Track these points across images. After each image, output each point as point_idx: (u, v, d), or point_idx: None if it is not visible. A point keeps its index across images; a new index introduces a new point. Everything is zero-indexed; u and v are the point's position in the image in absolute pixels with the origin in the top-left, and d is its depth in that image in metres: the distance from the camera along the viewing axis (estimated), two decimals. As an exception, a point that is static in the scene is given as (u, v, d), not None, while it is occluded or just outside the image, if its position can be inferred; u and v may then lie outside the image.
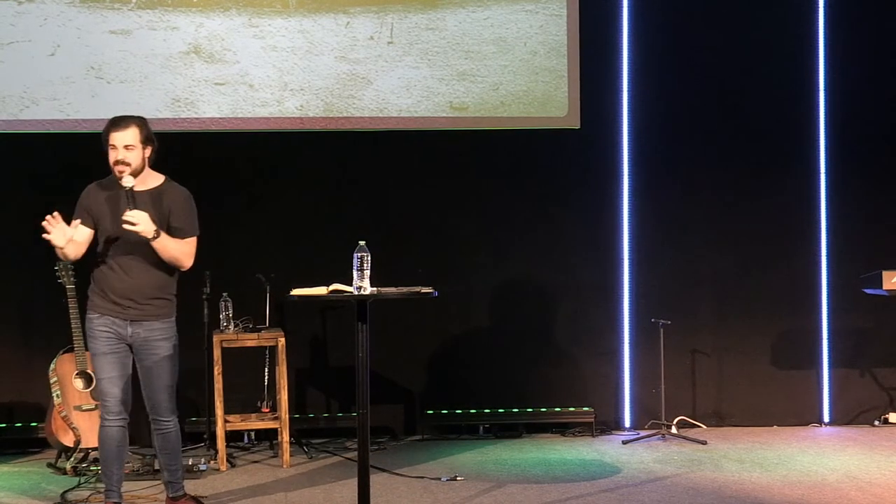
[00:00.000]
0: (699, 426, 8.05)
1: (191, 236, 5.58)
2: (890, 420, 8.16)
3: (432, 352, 8.04)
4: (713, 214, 8.17)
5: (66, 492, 6.26)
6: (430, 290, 5.50)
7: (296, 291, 5.48)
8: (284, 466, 6.97)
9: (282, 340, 7.03)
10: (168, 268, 5.55)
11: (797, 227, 8.23)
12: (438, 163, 8.03)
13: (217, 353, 6.95)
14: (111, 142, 5.46)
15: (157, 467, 6.28)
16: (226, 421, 7.01)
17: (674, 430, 7.76)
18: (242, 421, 7.29)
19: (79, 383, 6.95)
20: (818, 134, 8.24)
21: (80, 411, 6.88)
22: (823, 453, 7.28)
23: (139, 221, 5.34)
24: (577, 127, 7.97)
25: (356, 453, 5.63)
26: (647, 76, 8.12)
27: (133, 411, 5.62)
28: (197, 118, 7.69)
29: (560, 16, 7.94)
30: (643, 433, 7.82)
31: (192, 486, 6.30)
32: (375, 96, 7.82)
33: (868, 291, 7.56)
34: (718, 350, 8.17)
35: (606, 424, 8.03)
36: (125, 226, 5.34)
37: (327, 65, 7.80)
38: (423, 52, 7.86)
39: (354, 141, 7.90)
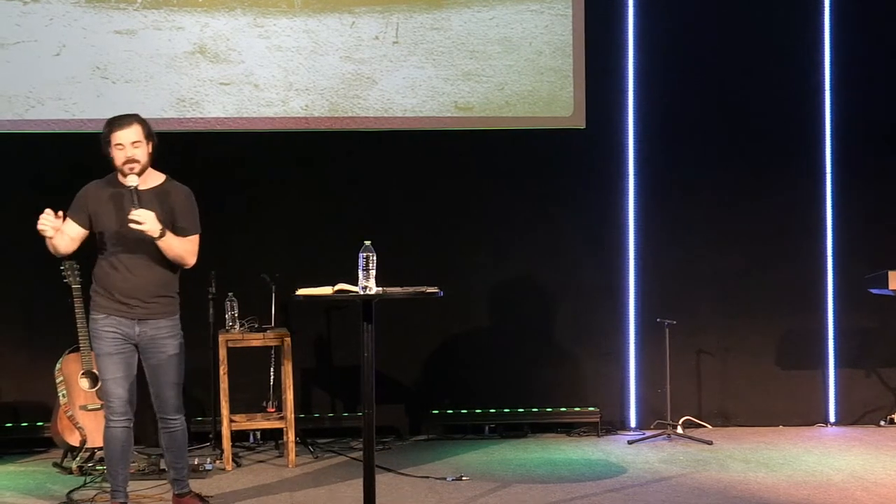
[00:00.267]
0: (705, 426, 8.05)
1: (193, 234, 5.59)
2: (896, 420, 8.18)
3: (437, 352, 8.04)
4: (719, 214, 8.17)
5: (71, 491, 6.26)
6: (436, 290, 5.49)
7: (301, 291, 5.48)
8: (290, 466, 6.97)
9: (287, 340, 7.03)
10: (171, 266, 5.55)
11: (802, 226, 8.22)
12: (443, 163, 8.03)
13: (222, 353, 6.95)
14: (117, 141, 5.46)
15: (162, 466, 6.29)
16: (231, 421, 7.01)
17: (679, 430, 7.75)
18: (248, 421, 7.29)
19: (84, 383, 6.95)
20: (823, 134, 8.23)
21: (86, 411, 6.89)
22: (829, 453, 7.27)
23: (145, 221, 5.34)
24: (583, 127, 7.97)
25: (361, 453, 5.62)
26: (652, 76, 8.12)
27: (138, 411, 5.63)
28: (202, 118, 7.69)
29: (565, 16, 7.93)
30: (648, 433, 7.81)
31: (197, 486, 6.30)
32: (380, 96, 7.82)
33: (873, 291, 7.54)
34: (724, 350, 8.17)
35: (612, 424, 8.03)
36: (132, 225, 5.34)
37: (332, 65, 7.80)
38: (428, 51, 7.86)
39: (359, 141, 7.90)
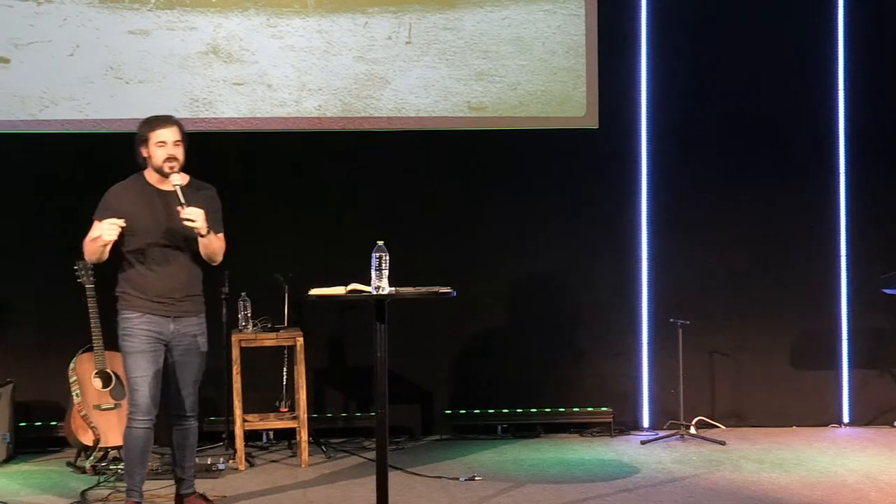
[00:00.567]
0: (718, 427, 8.03)
1: (221, 232, 5.67)
2: (910, 421, 8.15)
3: (450, 352, 8.04)
4: (732, 214, 8.15)
5: (85, 490, 6.28)
6: (449, 290, 5.50)
7: (314, 291, 5.49)
8: (303, 466, 6.98)
9: (300, 340, 7.04)
10: (200, 264, 5.63)
11: (816, 226, 8.20)
12: (456, 163, 8.03)
13: (236, 353, 6.97)
14: (159, 139, 5.50)
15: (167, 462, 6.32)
16: (244, 420, 7.02)
17: (692, 430, 7.74)
18: (261, 420, 7.30)
19: (98, 383, 6.97)
20: (838, 134, 8.21)
21: (100, 410, 6.90)
22: (843, 454, 7.25)
23: (197, 218, 5.40)
24: (596, 127, 7.96)
25: (374, 453, 5.63)
26: (665, 76, 8.10)
27: (151, 410, 5.65)
28: (215, 118, 7.70)
29: (578, 15, 7.93)
30: (662, 433, 7.80)
31: (210, 486, 6.33)
32: (393, 96, 7.82)
33: (888, 291, 7.52)
34: (737, 350, 8.15)
35: (625, 424, 8.01)
36: (186, 223, 5.40)
37: (345, 65, 7.80)
38: (441, 51, 7.86)
39: (372, 141, 7.90)
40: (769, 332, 8.12)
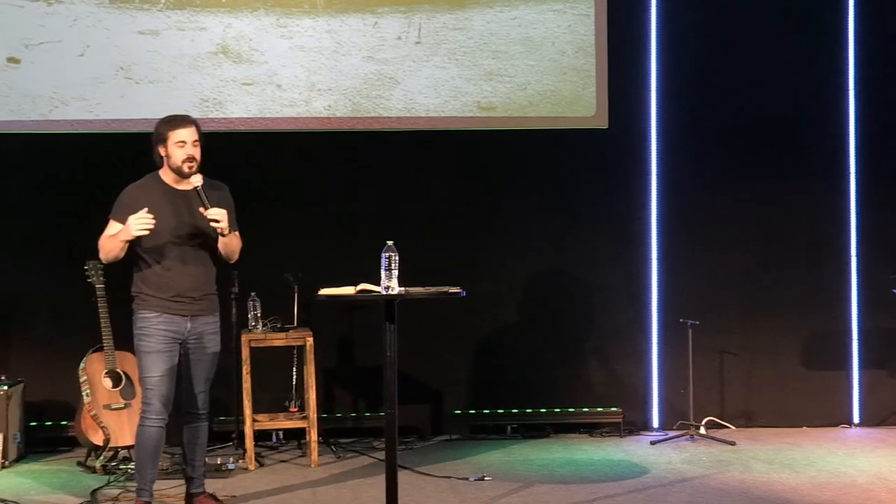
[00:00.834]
0: (728, 427, 8.02)
1: (237, 230, 5.68)
2: (921, 421, 8.13)
3: (459, 352, 8.03)
4: (742, 214, 8.14)
5: (95, 490, 6.29)
6: (458, 290, 5.50)
7: (324, 291, 5.49)
8: (312, 466, 6.98)
9: (310, 340, 7.05)
10: (216, 262, 5.67)
11: (826, 226, 8.18)
12: (466, 163, 8.03)
13: (245, 353, 6.97)
14: (179, 138, 5.52)
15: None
16: (254, 420, 7.03)
17: (702, 430, 7.72)
18: (270, 420, 7.31)
19: (108, 382, 6.98)
20: (848, 133, 8.19)
21: (110, 410, 6.92)
22: (853, 455, 7.24)
23: (221, 218, 5.44)
24: (605, 127, 7.96)
25: (384, 453, 5.63)
26: (675, 76, 8.09)
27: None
28: (225, 118, 7.71)
29: (588, 15, 7.92)
30: (671, 434, 7.79)
31: (220, 485, 6.34)
32: (403, 96, 7.83)
33: (898, 292, 7.53)
34: (747, 350, 8.13)
35: (634, 425, 8.01)
36: (212, 223, 5.43)
37: (355, 65, 7.81)
38: (450, 51, 7.86)
39: (382, 141, 7.91)
40: (779, 332, 8.11)
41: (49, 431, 7.59)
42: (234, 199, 5.77)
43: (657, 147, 8.10)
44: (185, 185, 5.55)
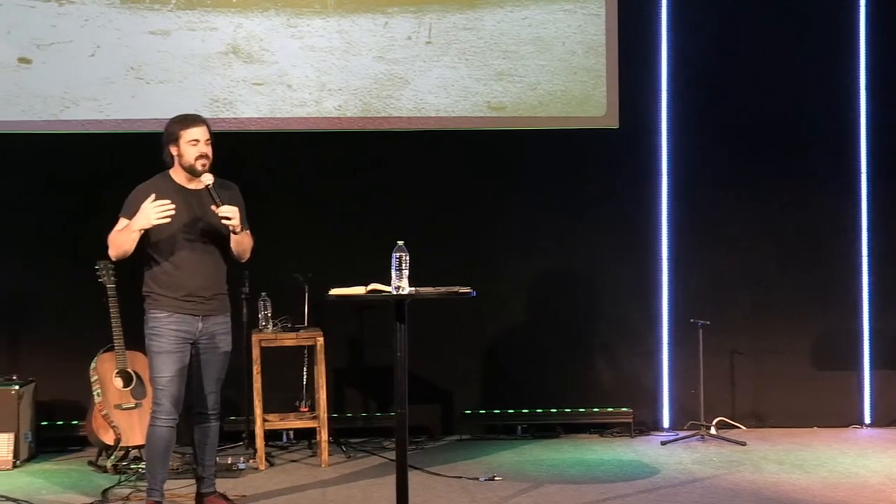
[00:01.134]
0: (738, 427, 8.00)
1: (247, 228, 5.69)
2: (932, 422, 8.11)
3: (470, 352, 8.03)
4: (753, 214, 8.13)
5: (106, 490, 6.30)
6: (469, 290, 5.49)
7: (334, 291, 5.49)
8: (323, 465, 6.98)
9: (320, 340, 7.05)
10: (228, 262, 5.67)
11: (837, 226, 8.17)
12: (476, 163, 8.03)
13: (256, 353, 6.98)
14: (193, 137, 5.53)
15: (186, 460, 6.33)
16: (264, 420, 7.04)
17: (713, 431, 7.71)
18: (281, 420, 7.32)
19: (119, 382, 6.99)
20: (860, 132, 8.17)
21: (121, 410, 6.92)
22: (864, 455, 7.22)
23: (234, 216, 5.46)
24: (616, 126, 7.95)
25: (394, 453, 5.62)
26: (685, 75, 8.09)
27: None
28: (235, 118, 7.72)
29: (598, 15, 7.91)
30: (682, 434, 7.78)
31: (231, 485, 6.34)
32: (413, 96, 7.83)
33: (909, 292, 7.51)
34: (758, 351, 8.12)
35: (645, 425, 8.00)
36: (224, 221, 5.43)
37: (365, 65, 7.81)
38: (461, 51, 7.86)
39: (392, 141, 7.91)
40: (790, 332, 8.09)
41: (60, 431, 7.61)
42: (244, 199, 5.77)
43: (668, 147, 8.09)
44: (196, 184, 5.56)
